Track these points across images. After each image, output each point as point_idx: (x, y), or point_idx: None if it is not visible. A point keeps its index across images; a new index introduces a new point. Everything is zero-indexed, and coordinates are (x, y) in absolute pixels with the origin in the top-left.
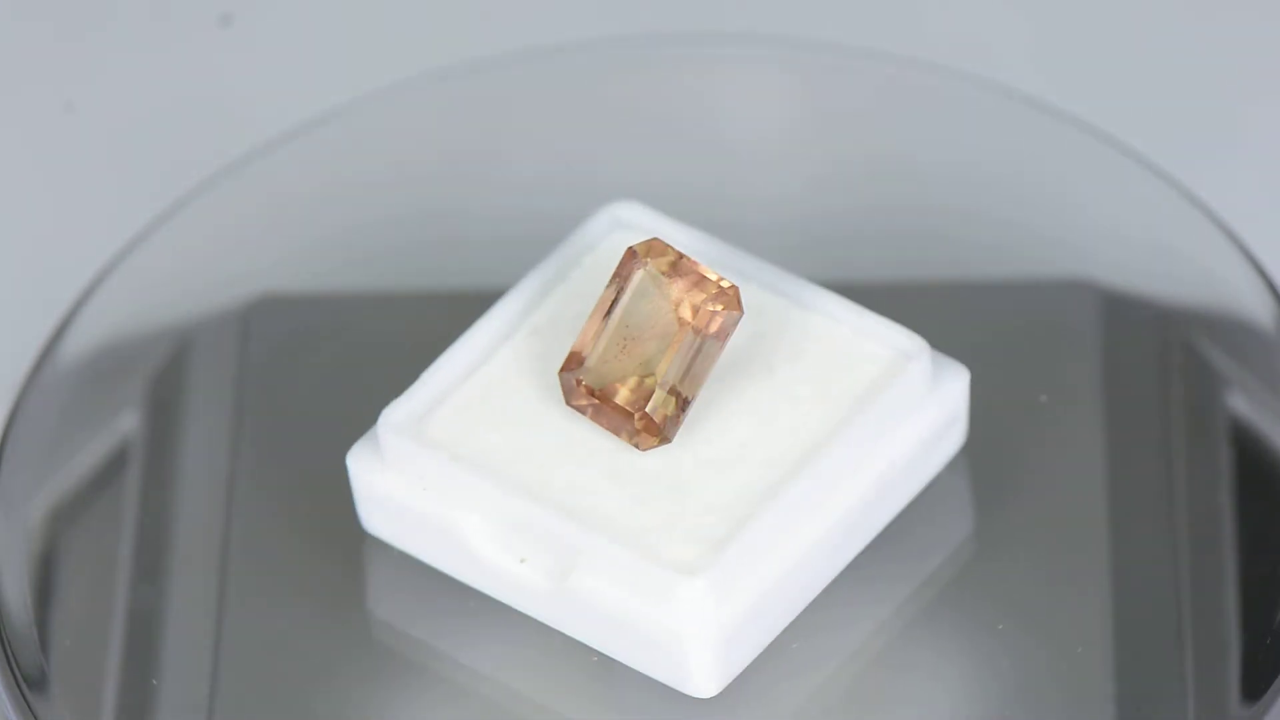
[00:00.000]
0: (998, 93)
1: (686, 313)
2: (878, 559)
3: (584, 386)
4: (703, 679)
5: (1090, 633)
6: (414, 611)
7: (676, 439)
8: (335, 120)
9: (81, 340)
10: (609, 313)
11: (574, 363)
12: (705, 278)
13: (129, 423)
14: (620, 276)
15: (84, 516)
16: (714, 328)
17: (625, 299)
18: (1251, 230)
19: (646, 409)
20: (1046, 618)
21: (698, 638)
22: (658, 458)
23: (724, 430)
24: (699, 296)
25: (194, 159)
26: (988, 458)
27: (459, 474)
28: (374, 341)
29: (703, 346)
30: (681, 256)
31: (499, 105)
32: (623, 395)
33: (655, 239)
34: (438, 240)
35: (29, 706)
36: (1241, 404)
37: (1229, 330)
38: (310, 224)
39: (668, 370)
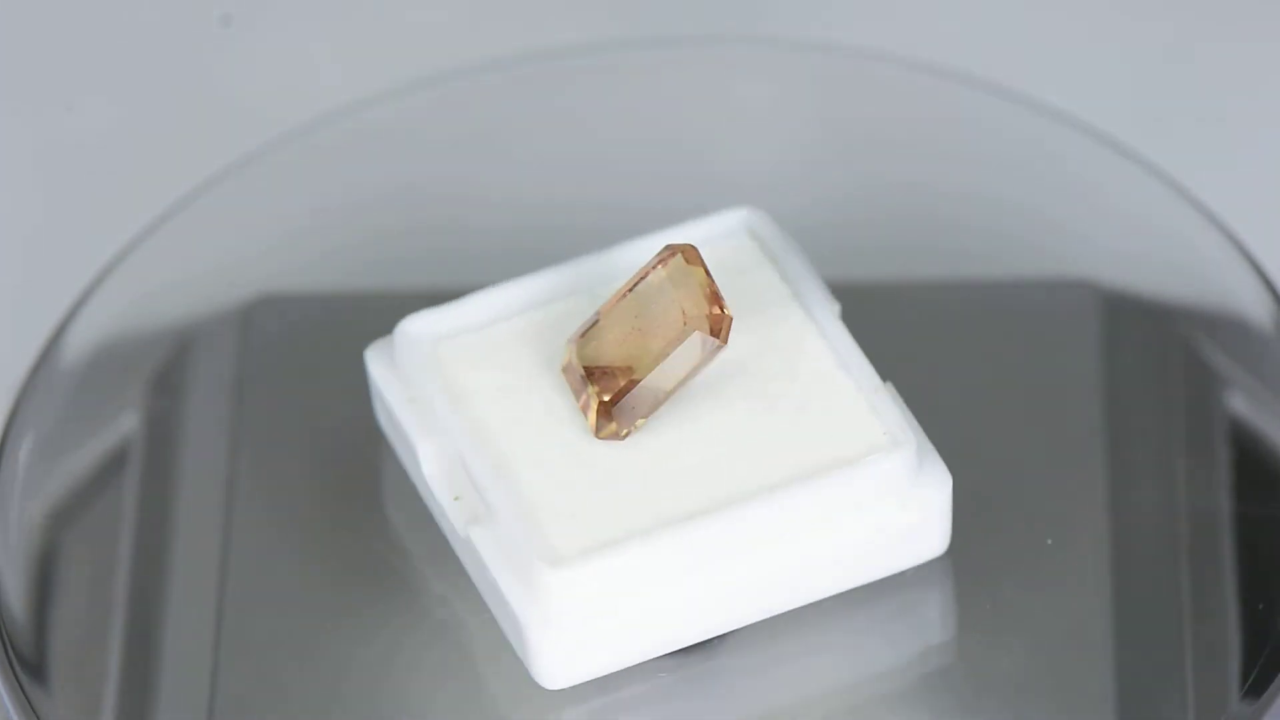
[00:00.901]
0: (998, 93)
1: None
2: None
3: (577, 359)
4: (546, 669)
5: (1090, 633)
6: (415, 612)
7: (644, 440)
8: (335, 121)
9: (81, 340)
10: (623, 298)
11: (583, 335)
12: (711, 294)
13: (129, 423)
14: (647, 268)
15: (84, 516)
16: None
17: (640, 289)
18: (1251, 230)
19: (604, 396)
20: (1046, 617)
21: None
22: (613, 451)
23: (686, 443)
24: (695, 310)
25: (194, 159)
26: (988, 457)
27: (436, 398)
28: (374, 341)
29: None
30: (706, 272)
31: (499, 105)
32: (601, 377)
33: (692, 247)
34: (438, 240)
35: (31, 706)
36: (1241, 404)
37: (1229, 330)
38: (310, 224)
39: (653, 370)
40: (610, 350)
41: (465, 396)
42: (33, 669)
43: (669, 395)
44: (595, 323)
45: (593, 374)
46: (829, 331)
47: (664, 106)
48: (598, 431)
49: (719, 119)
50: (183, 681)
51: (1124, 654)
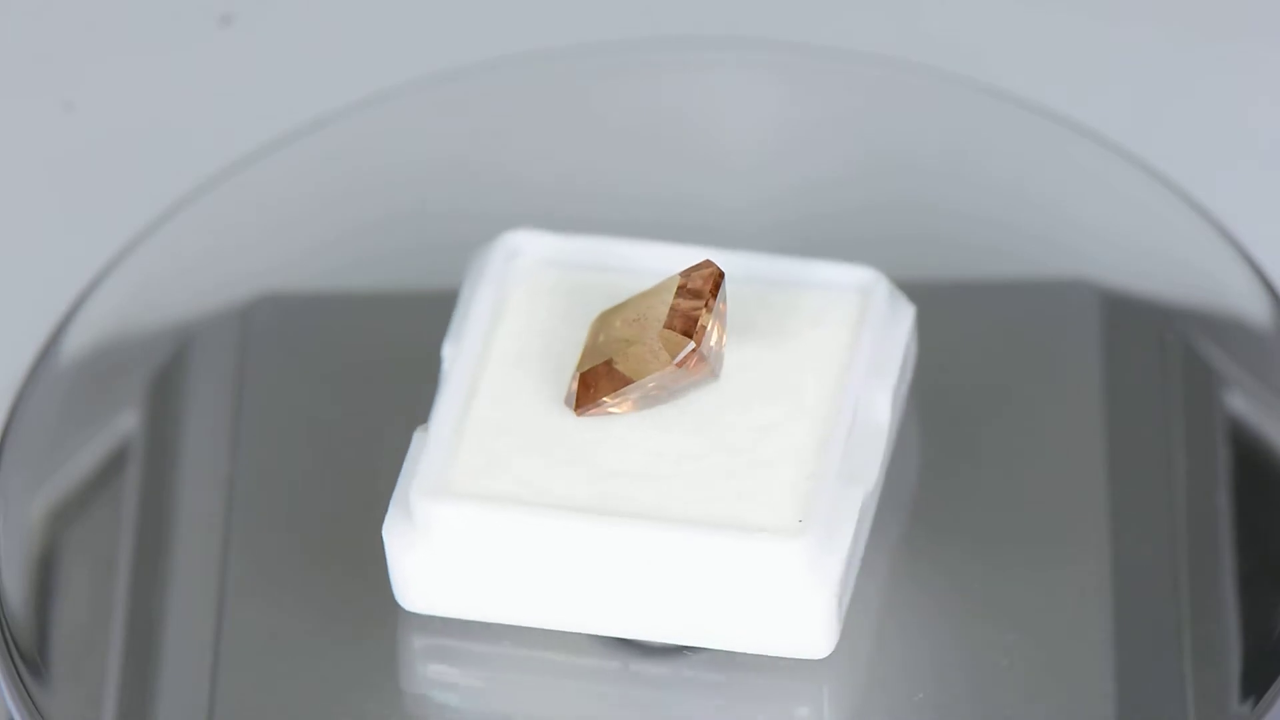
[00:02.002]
0: (997, 95)
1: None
2: (875, 557)
3: (592, 328)
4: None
5: (1090, 633)
6: (411, 613)
7: (603, 430)
8: (335, 121)
9: (81, 340)
10: (651, 291)
11: (608, 311)
12: (691, 320)
13: (129, 423)
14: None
15: (84, 516)
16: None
17: (662, 286)
18: (1250, 231)
19: (583, 369)
20: (1046, 618)
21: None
22: (567, 427)
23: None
24: (673, 327)
25: (194, 159)
26: (988, 457)
27: (475, 310)
28: (374, 341)
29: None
30: (708, 300)
31: (499, 106)
32: (591, 352)
33: (718, 272)
34: (437, 240)
35: (35, 705)
36: (1240, 404)
37: (1229, 330)
38: (310, 224)
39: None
40: (613, 331)
41: (498, 325)
42: (34, 669)
43: (634, 394)
44: (623, 304)
45: (589, 349)
46: (842, 407)
47: (664, 107)
48: (566, 399)
49: (719, 120)
50: (183, 681)
51: (1124, 654)
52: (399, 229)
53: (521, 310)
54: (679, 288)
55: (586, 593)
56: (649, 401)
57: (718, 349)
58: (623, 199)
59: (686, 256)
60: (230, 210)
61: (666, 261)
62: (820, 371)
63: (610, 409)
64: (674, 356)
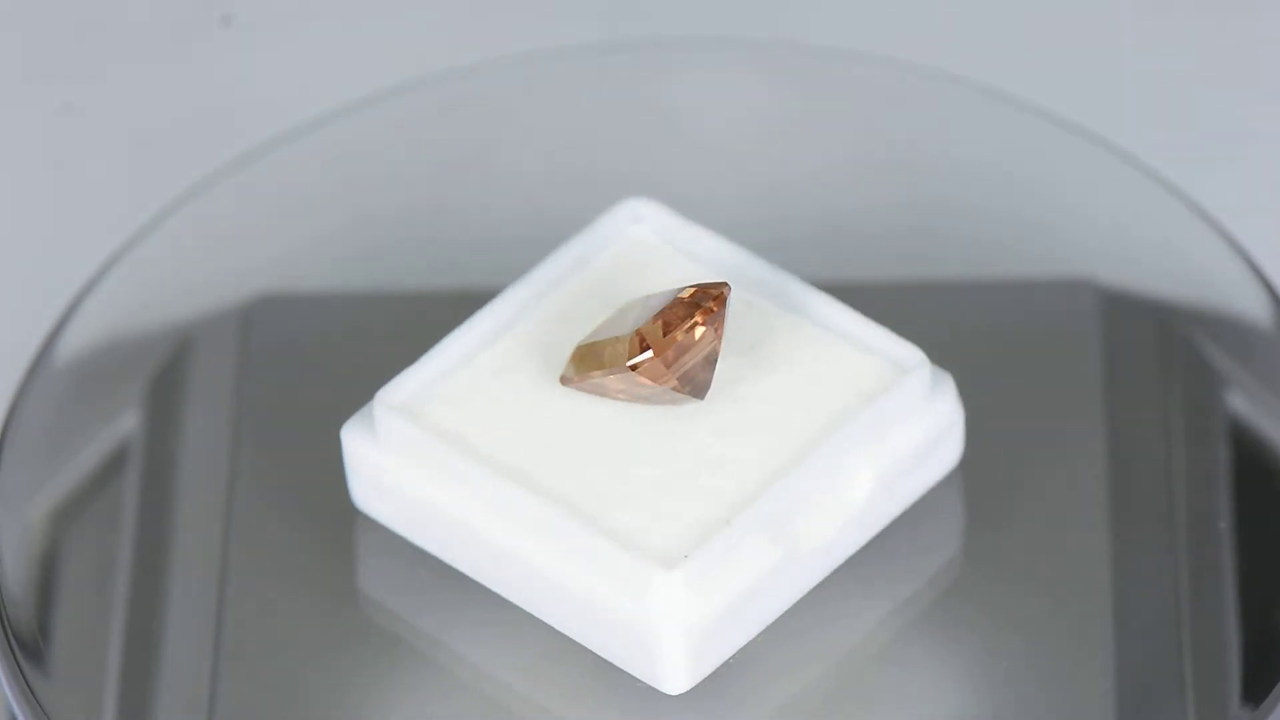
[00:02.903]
0: (998, 96)
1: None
2: (876, 557)
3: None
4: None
5: (1090, 633)
6: (415, 611)
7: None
8: (335, 120)
9: (81, 340)
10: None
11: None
12: (680, 335)
13: (129, 423)
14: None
15: (84, 516)
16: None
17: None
18: (1250, 230)
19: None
20: (1046, 618)
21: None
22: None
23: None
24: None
25: (194, 159)
26: (987, 458)
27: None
28: (374, 341)
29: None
30: (700, 318)
31: (499, 105)
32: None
33: (726, 286)
34: (438, 240)
35: (36, 702)
36: (1241, 404)
37: (1229, 330)
38: (310, 224)
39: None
40: (626, 318)
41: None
42: (36, 667)
43: (600, 384)
44: (650, 296)
45: (604, 326)
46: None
47: (662, 108)
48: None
49: (719, 120)
50: (183, 681)
51: (1124, 654)
52: (399, 229)
53: (599, 276)
54: (681, 299)
55: (487, 552)
56: (628, 397)
57: (700, 371)
58: (620, 196)
59: (765, 272)
60: (229, 210)
61: (748, 272)
62: (810, 427)
63: (581, 389)
64: (629, 359)
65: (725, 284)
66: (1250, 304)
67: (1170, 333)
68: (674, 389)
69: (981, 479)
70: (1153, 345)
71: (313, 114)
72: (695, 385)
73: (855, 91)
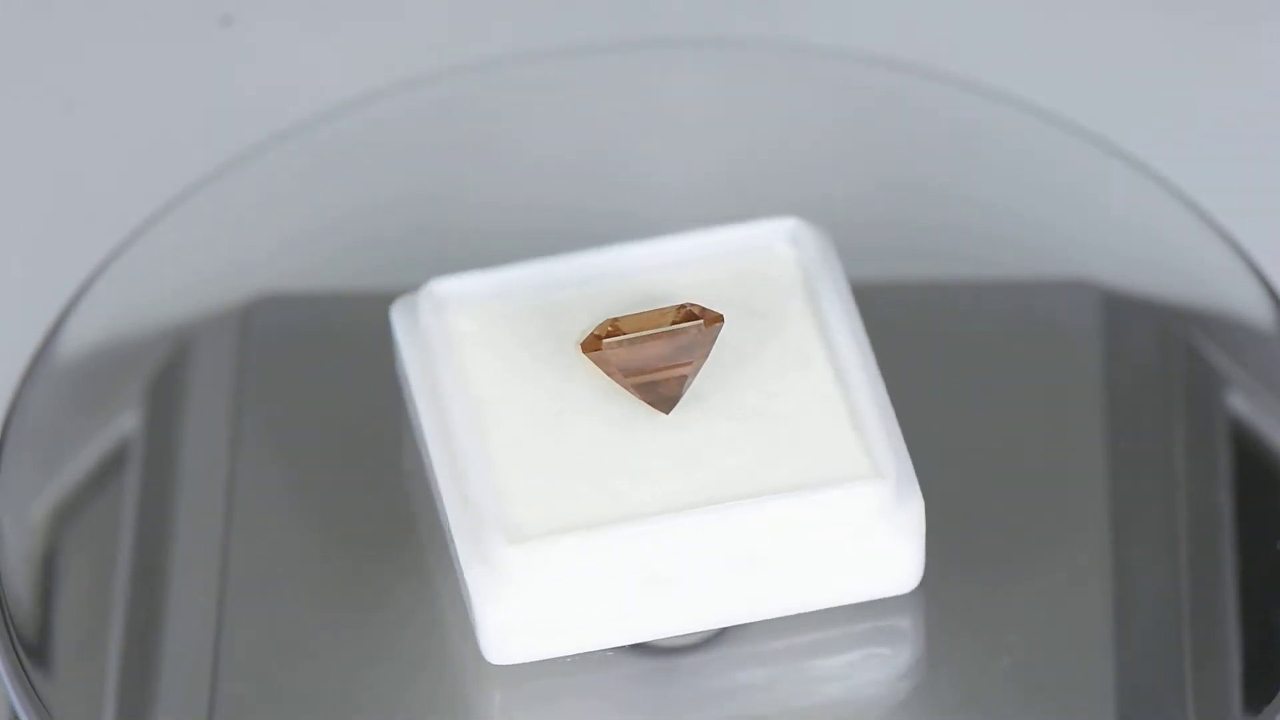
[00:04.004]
0: (997, 96)
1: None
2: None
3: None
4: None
5: (1090, 633)
6: (414, 611)
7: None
8: (335, 120)
9: (81, 340)
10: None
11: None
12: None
13: (129, 423)
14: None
15: (84, 516)
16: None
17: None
18: (1250, 231)
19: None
20: (1047, 617)
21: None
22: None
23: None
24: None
25: (194, 159)
26: (988, 458)
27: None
28: (374, 341)
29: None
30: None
31: (500, 105)
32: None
33: (720, 320)
34: (438, 240)
35: (39, 700)
36: (1241, 404)
37: (1229, 330)
38: (310, 224)
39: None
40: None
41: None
42: (38, 667)
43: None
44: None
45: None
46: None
47: (664, 107)
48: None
49: (718, 120)
50: (183, 681)
51: (1124, 654)
52: (399, 229)
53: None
54: (681, 311)
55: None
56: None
57: (664, 386)
58: (618, 195)
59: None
60: (229, 209)
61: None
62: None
63: (608, 352)
64: (598, 336)
65: (720, 316)
66: (1250, 304)
67: (1170, 333)
68: (633, 391)
69: (981, 479)
70: (1153, 345)
71: (312, 114)
72: (658, 397)
73: (855, 91)
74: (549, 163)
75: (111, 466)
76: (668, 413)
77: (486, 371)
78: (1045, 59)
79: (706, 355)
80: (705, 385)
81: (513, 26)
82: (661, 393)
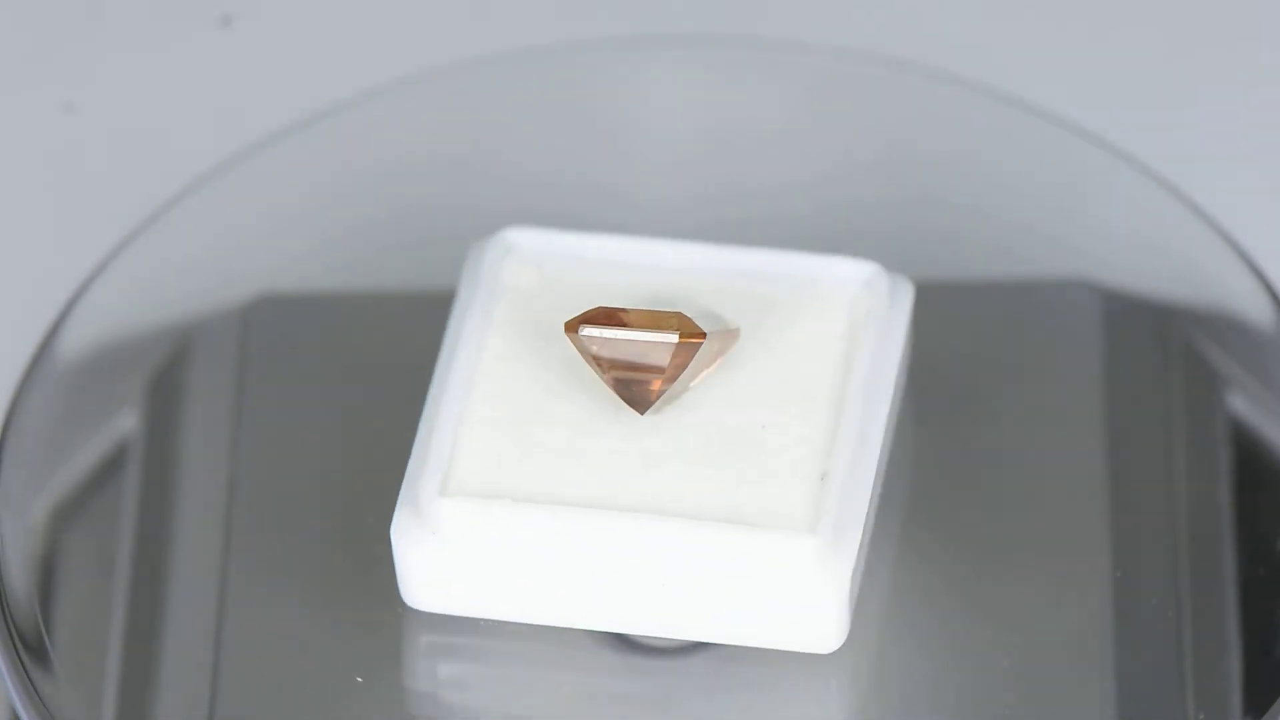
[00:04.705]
0: (997, 96)
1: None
2: (876, 559)
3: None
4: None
5: (1090, 633)
6: (414, 612)
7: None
8: (335, 120)
9: (81, 339)
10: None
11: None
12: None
13: (129, 422)
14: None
15: (84, 516)
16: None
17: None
18: (1249, 231)
19: None
20: (1047, 618)
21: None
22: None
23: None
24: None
25: (194, 159)
26: (987, 457)
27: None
28: (374, 341)
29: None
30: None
31: (499, 104)
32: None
33: (702, 336)
34: (437, 240)
35: (40, 700)
36: (1241, 404)
37: (1229, 330)
38: (310, 224)
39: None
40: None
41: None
42: (39, 666)
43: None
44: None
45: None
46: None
47: (665, 107)
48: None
49: (720, 118)
50: (184, 681)
51: (1124, 654)
52: (399, 229)
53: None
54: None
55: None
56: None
57: (639, 389)
58: (621, 195)
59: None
60: (229, 209)
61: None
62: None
63: (592, 338)
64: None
65: (703, 335)
66: (1250, 304)
67: (1170, 333)
68: (608, 382)
69: (981, 479)
70: (1153, 345)
71: (312, 113)
72: (631, 395)
73: (854, 91)
74: (551, 163)
75: (111, 466)
76: (641, 413)
77: (510, 329)
78: (1045, 59)
79: (687, 368)
80: (703, 398)
81: (514, 24)
82: (634, 393)
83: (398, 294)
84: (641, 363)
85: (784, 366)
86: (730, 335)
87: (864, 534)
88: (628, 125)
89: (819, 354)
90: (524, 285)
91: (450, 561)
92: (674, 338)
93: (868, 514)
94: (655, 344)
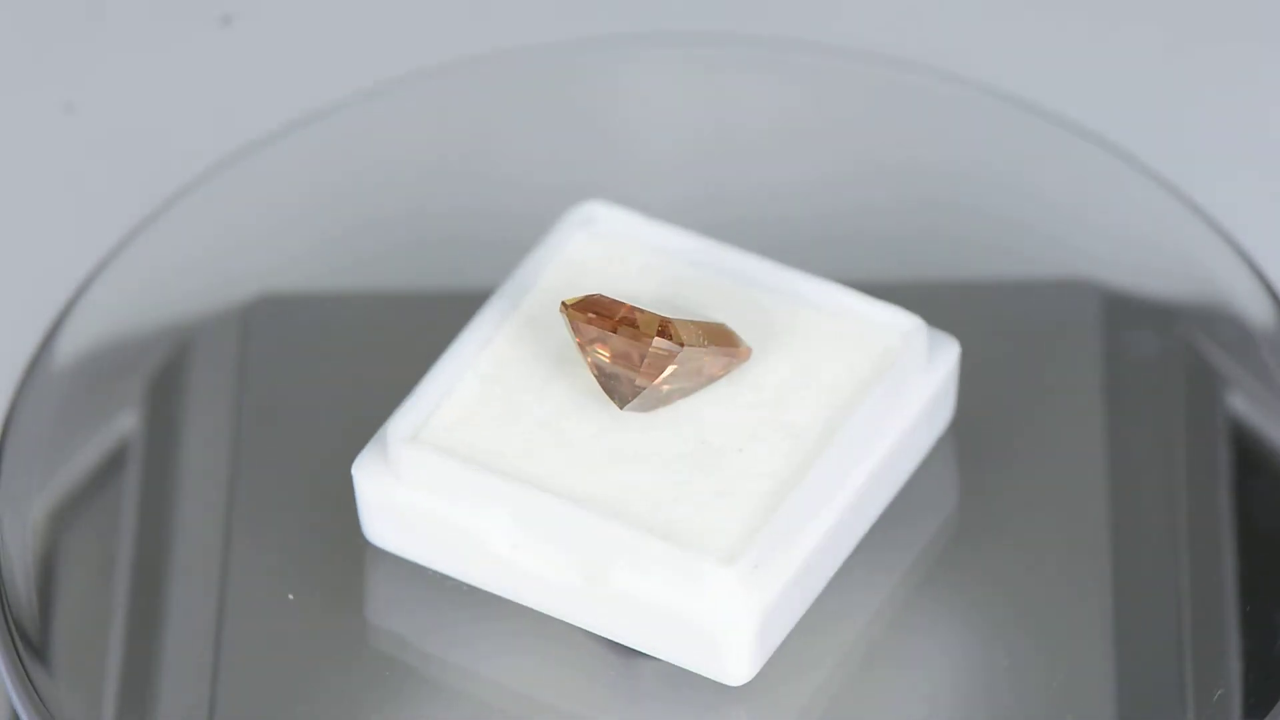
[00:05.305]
0: (998, 96)
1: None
2: (878, 559)
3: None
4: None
5: (1090, 633)
6: (414, 612)
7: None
8: (333, 119)
9: (81, 340)
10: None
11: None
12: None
13: (129, 423)
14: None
15: (84, 516)
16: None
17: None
18: (1250, 231)
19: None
20: (1046, 618)
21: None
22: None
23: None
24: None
25: (194, 159)
26: (988, 458)
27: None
28: (374, 341)
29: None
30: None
31: (499, 104)
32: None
33: (679, 349)
34: (437, 240)
35: (40, 700)
36: (1241, 404)
37: (1229, 330)
38: (310, 224)
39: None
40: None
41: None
42: (39, 666)
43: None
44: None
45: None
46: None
47: (665, 106)
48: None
49: (721, 118)
50: (184, 681)
51: (1124, 654)
52: (398, 229)
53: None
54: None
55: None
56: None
57: (622, 383)
58: (630, 193)
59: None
60: (230, 210)
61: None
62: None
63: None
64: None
65: (680, 347)
66: (1250, 304)
67: (1170, 333)
68: (591, 368)
69: (981, 479)
70: (1153, 345)
71: (312, 113)
72: (611, 389)
73: (855, 91)
74: (551, 162)
75: (111, 466)
76: (620, 408)
77: (550, 296)
78: (1046, 59)
79: (684, 377)
80: (698, 409)
81: (514, 23)
82: (612, 385)
83: (398, 294)
84: (622, 358)
85: (790, 398)
86: (736, 356)
87: (805, 574)
88: (627, 125)
89: (830, 393)
90: (583, 258)
91: (404, 506)
92: (647, 344)
93: (817, 557)
94: (632, 344)
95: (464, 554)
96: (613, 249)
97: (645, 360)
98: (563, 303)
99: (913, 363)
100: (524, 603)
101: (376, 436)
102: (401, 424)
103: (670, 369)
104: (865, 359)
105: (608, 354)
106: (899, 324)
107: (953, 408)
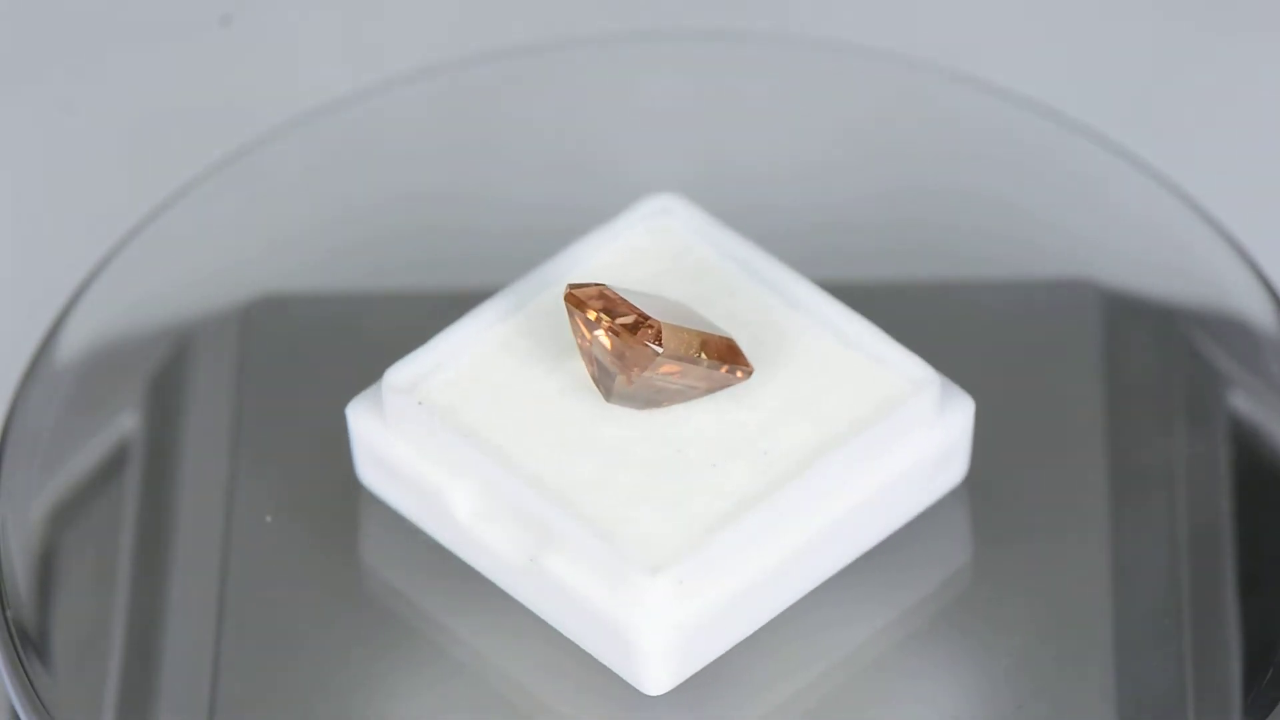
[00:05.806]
0: (999, 94)
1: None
2: (878, 560)
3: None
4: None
5: (1090, 633)
6: (418, 610)
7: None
8: (334, 118)
9: (81, 340)
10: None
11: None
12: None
13: (129, 423)
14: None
15: (84, 516)
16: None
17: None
18: (1251, 231)
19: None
20: (1047, 618)
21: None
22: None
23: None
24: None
25: (194, 159)
26: (988, 458)
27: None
28: (374, 341)
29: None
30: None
31: (500, 104)
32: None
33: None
34: (438, 240)
35: (39, 700)
36: (1241, 403)
37: (1229, 330)
38: (310, 224)
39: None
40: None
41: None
42: (38, 666)
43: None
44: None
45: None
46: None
47: (666, 105)
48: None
49: (719, 117)
50: (184, 681)
51: (1124, 654)
52: (398, 228)
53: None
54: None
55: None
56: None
57: (606, 377)
58: (621, 197)
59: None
60: (230, 209)
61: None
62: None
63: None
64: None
65: (657, 350)
66: (1250, 304)
67: (1170, 333)
68: (580, 349)
69: (981, 479)
70: (1153, 345)
71: (312, 113)
72: (599, 380)
73: (855, 88)
74: (551, 162)
75: (111, 466)
76: (606, 399)
77: (594, 276)
78: (1047, 58)
79: (682, 383)
80: (692, 416)
81: (514, 22)
82: (601, 379)
83: (398, 294)
84: (609, 352)
85: (780, 423)
86: (734, 374)
87: (747, 597)
88: (627, 126)
89: (820, 426)
90: (642, 246)
91: (387, 452)
92: (633, 343)
93: (767, 583)
94: (620, 340)
95: (433, 513)
96: (670, 245)
97: (627, 358)
98: (568, 286)
99: (916, 413)
100: (480, 571)
101: (379, 382)
102: (401, 372)
103: (648, 373)
104: (868, 400)
105: (595, 344)
106: (911, 372)
107: (965, 465)
